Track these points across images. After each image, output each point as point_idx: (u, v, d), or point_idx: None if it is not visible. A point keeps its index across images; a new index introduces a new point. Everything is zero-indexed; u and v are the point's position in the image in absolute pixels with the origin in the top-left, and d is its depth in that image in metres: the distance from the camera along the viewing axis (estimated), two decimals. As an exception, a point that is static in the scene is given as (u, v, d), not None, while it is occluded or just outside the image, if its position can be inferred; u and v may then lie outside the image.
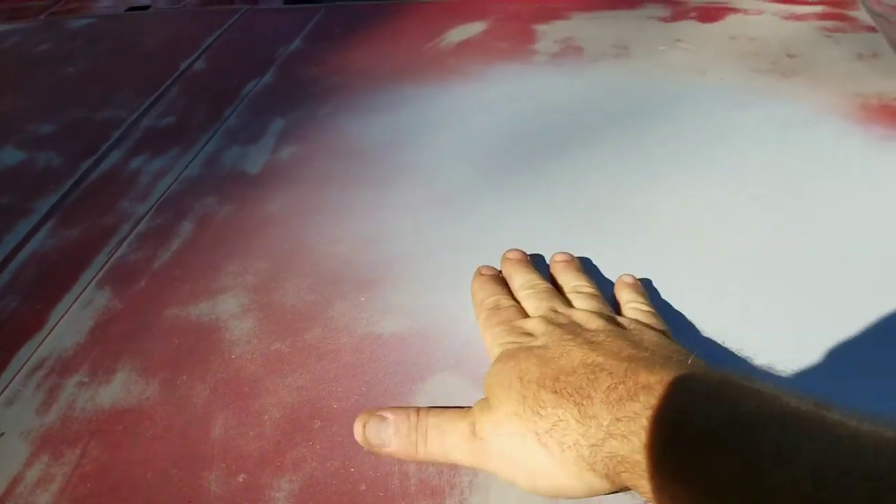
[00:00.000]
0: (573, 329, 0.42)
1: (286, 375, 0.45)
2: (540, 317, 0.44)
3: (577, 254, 0.53)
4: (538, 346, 0.41)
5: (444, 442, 0.39)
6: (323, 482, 0.39)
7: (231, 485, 0.39)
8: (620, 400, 0.35)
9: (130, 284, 0.53)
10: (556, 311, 0.45)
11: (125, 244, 0.57)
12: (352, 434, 0.41)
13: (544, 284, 0.48)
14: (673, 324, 0.46)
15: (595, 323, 0.43)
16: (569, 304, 0.47)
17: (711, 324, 0.47)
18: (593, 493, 0.36)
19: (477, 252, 0.53)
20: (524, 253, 0.52)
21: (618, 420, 0.34)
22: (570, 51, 0.84)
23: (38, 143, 0.73)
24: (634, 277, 0.50)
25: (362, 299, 0.50)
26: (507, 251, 0.52)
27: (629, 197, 0.59)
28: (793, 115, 0.69)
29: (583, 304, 0.46)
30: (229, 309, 0.50)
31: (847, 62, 0.79)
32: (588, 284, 0.48)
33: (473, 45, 0.87)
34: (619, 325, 0.43)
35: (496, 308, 0.47)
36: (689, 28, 0.88)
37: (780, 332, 0.46)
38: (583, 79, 0.78)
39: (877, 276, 0.50)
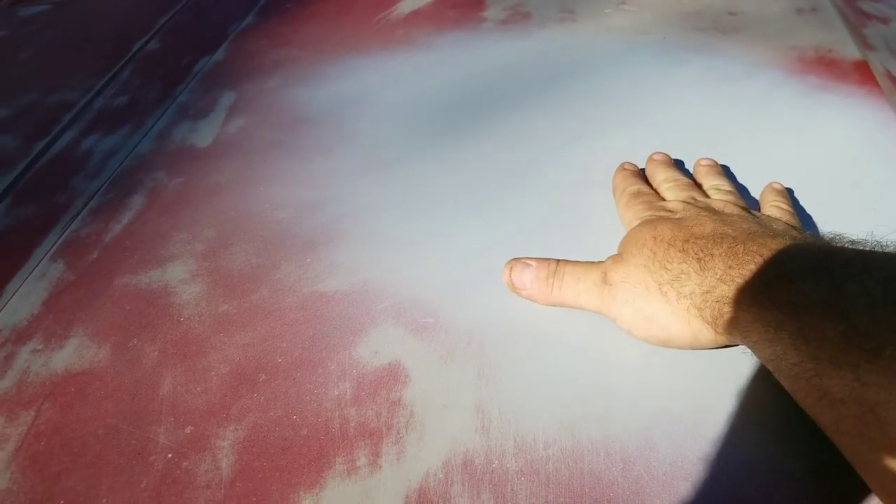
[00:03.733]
0: (710, 210, 0.46)
1: (233, 334, 0.47)
2: (680, 200, 0.48)
3: (516, 213, 0.54)
4: (676, 218, 0.45)
5: (577, 287, 0.45)
6: (266, 429, 0.41)
7: (179, 436, 0.41)
8: (736, 255, 0.39)
9: (83, 256, 0.54)
10: (694, 199, 0.49)
11: (78, 219, 0.58)
12: (295, 385, 0.43)
13: (686, 180, 0.52)
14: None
15: (731, 209, 0.46)
16: (708, 197, 0.50)
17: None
18: (697, 344, 0.41)
19: (418, 211, 0.55)
20: (668, 156, 0.56)
21: (730, 268, 0.38)
22: (517, 17, 0.85)
23: (-7, 128, 0.74)
24: (782, 185, 0.53)
25: (308, 260, 0.52)
26: (653, 153, 0.57)
27: (567, 153, 0.60)
28: (730, 69, 0.71)
29: (721, 196, 0.50)
30: (178, 275, 0.52)
31: (787, 17, 0.81)
32: (728, 184, 0.52)
33: (423, 14, 0.88)
34: (753, 214, 0.46)
35: (638, 193, 0.51)
36: (634, -10, 0.89)
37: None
38: (529, 43, 0.79)
39: (813, 219, 0.52)
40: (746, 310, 0.37)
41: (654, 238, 0.43)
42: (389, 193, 0.58)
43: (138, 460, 0.40)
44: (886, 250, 0.36)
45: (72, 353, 0.47)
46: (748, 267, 0.37)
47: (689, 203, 0.48)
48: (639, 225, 0.46)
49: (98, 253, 0.55)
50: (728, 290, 0.38)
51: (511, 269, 0.47)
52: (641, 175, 0.55)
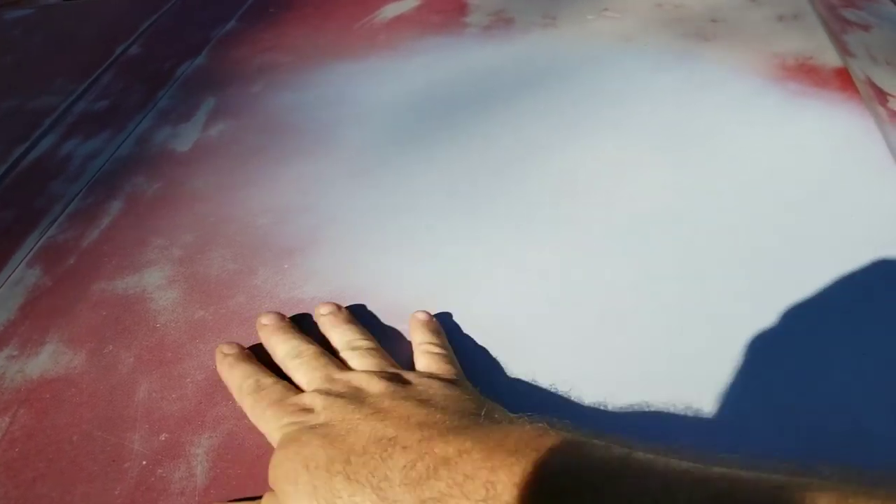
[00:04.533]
0: (355, 397, 0.38)
1: (209, 341, 0.47)
2: (315, 390, 0.40)
3: (497, 216, 0.54)
4: (320, 425, 0.37)
5: None
6: (241, 437, 0.41)
7: (153, 443, 0.41)
8: (421, 479, 0.32)
9: (60, 262, 0.54)
10: (332, 379, 0.41)
11: (55, 225, 0.58)
12: (270, 391, 0.43)
13: (311, 349, 0.44)
14: (582, 280, 0.48)
15: (377, 385, 0.39)
16: (344, 365, 0.43)
17: (622, 281, 0.49)
18: None
19: (398, 217, 0.55)
20: (280, 315, 0.47)
21: (423, 502, 0.31)
22: (500, 23, 0.85)
23: (-27, 132, 0.73)
24: (428, 314, 0.46)
25: (285, 266, 0.52)
26: (261, 316, 0.47)
27: (546, 159, 0.60)
28: (711, 76, 0.71)
29: (360, 362, 0.43)
30: (155, 281, 0.52)
31: (768, 24, 0.82)
32: (362, 337, 0.44)
33: (406, 20, 0.88)
34: (404, 381, 0.40)
35: (258, 389, 0.42)
36: (617, -3, 0.90)
37: (693, 282, 0.48)
38: (511, 49, 0.79)
39: (792, 225, 0.52)
40: None
41: (307, 467, 0.35)
42: (370, 199, 0.58)
43: (113, 467, 0.40)
44: (616, 464, 0.30)
45: (47, 360, 0.47)
46: (448, 503, 0.31)
47: (326, 392, 0.39)
48: (282, 444, 0.37)
49: (75, 259, 0.54)
50: None
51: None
52: (249, 357, 0.45)
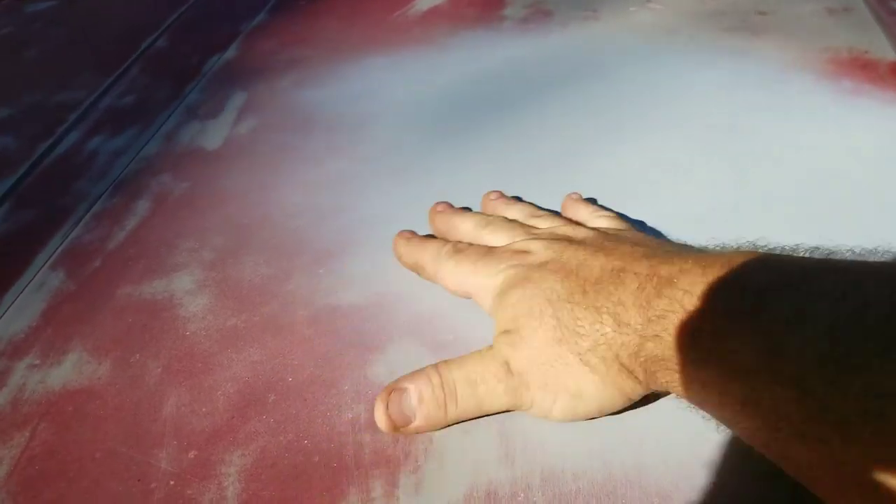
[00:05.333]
0: (568, 240, 0.40)
1: (241, 350, 0.44)
2: (520, 240, 0.42)
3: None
4: (545, 262, 0.39)
5: (477, 393, 0.37)
6: (276, 455, 0.38)
7: (182, 461, 0.38)
8: (649, 300, 0.33)
9: (84, 265, 0.52)
10: (534, 232, 0.42)
11: (80, 225, 0.56)
12: (307, 406, 0.40)
13: (498, 216, 0.46)
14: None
15: (583, 232, 0.41)
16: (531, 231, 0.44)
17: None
18: (631, 402, 0.36)
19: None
20: (448, 203, 0.49)
21: (649, 321, 0.33)
22: (538, 15, 0.83)
23: (-4, 128, 0.71)
24: (578, 193, 0.49)
25: (320, 271, 0.49)
26: (435, 204, 0.49)
27: (596, 157, 0.58)
28: (762, 72, 0.68)
29: (548, 222, 0.44)
30: (184, 286, 0.49)
31: (818, 17, 0.78)
32: (538, 209, 0.46)
33: (441, 12, 0.85)
34: (597, 230, 0.42)
35: (458, 251, 0.43)
36: (660, -12, 0.86)
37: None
38: (550, 42, 0.76)
39: (849, 225, 0.49)
40: (680, 370, 0.32)
41: (548, 300, 0.37)
42: (406, 198, 0.55)
43: (138, 487, 0.37)
44: (810, 265, 0.31)
45: (70, 369, 0.44)
46: (669, 319, 0.32)
47: (534, 238, 0.41)
48: (511, 285, 0.39)
49: (100, 261, 0.52)
50: (654, 347, 0.33)
51: (386, 405, 0.37)
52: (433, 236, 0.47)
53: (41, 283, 0.51)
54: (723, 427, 0.34)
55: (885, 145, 0.57)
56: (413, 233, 0.47)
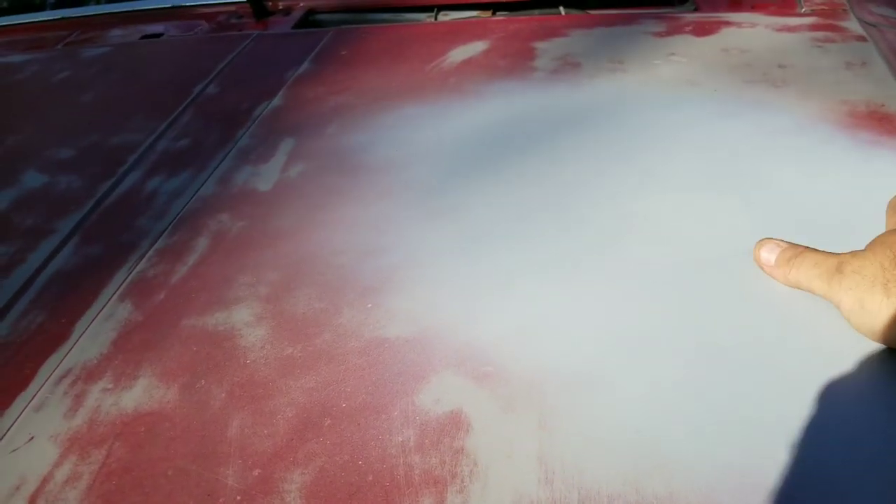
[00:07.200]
0: None
1: (298, 378, 0.48)
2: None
3: (574, 259, 0.55)
4: None
5: (811, 271, 0.49)
6: (333, 474, 0.42)
7: (247, 479, 0.42)
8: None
9: (150, 297, 0.56)
10: None
11: (144, 260, 0.60)
12: (360, 430, 0.44)
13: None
14: (661, 325, 0.48)
15: None
16: None
17: (702, 329, 0.49)
18: None
19: (475, 257, 0.56)
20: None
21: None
22: (567, 67, 0.87)
23: (59, 167, 0.76)
24: None
25: (369, 305, 0.53)
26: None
27: (623, 204, 0.61)
28: (782, 124, 0.71)
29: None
30: (243, 318, 0.53)
31: (837, 71, 0.82)
32: None
33: (475, 63, 0.90)
34: None
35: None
36: (684, 42, 0.90)
37: (769, 333, 0.48)
38: (580, 93, 0.80)
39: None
40: None
41: None
42: (446, 239, 0.59)
43: (208, 502, 0.41)
44: None
45: (141, 393, 0.48)
46: None
47: None
48: (892, 230, 0.49)
49: (165, 294, 0.56)
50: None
51: (762, 246, 0.52)
52: None
53: (110, 313, 0.55)
54: (756, 451, 0.38)
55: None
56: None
